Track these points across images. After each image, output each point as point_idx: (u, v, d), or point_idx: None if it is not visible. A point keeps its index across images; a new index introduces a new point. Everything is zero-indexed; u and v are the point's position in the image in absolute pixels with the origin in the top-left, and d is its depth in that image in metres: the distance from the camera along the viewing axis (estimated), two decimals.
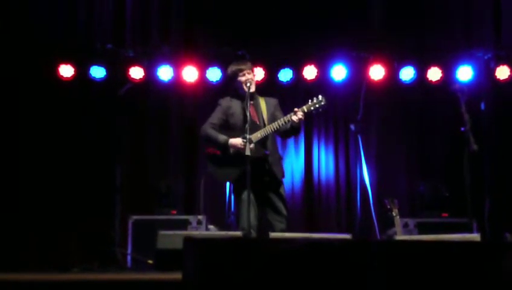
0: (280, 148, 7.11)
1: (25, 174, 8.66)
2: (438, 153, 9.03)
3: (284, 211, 6.38)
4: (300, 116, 6.16)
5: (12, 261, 7.82)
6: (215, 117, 6.51)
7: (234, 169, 6.24)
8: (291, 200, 6.67)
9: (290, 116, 6.20)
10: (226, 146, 6.28)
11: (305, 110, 6.23)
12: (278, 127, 6.23)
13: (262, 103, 6.55)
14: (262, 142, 6.29)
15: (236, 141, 6.22)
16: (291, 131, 6.41)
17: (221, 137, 6.31)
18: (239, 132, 6.27)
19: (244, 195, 6.08)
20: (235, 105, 6.49)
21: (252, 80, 6.47)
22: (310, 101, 6.29)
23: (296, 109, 6.20)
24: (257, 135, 6.22)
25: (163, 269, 6.02)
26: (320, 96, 6.28)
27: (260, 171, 6.24)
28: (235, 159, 6.21)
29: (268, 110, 6.49)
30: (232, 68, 6.56)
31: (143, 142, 9.28)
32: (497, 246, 3.51)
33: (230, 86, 6.69)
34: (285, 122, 6.23)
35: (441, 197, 8.39)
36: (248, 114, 6.15)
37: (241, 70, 6.46)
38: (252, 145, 6.09)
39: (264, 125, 6.34)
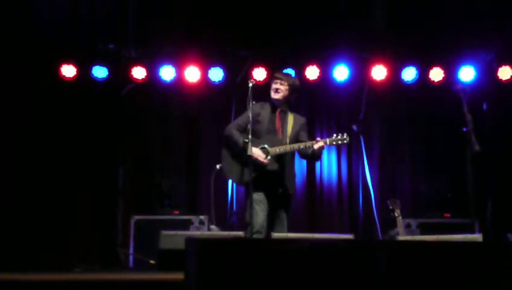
0: None
1: (27, 174, 8.65)
2: (440, 153, 9.02)
3: (285, 223, 6.47)
4: (321, 146, 6.32)
5: (15, 261, 7.82)
6: (242, 120, 6.59)
7: (246, 172, 6.28)
8: (294, 200, 6.69)
9: (312, 144, 6.35)
10: (244, 150, 6.31)
11: (327, 143, 6.40)
12: (297, 149, 6.40)
13: (290, 118, 6.65)
14: (279, 159, 6.42)
15: (256, 151, 6.29)
16: (311, 157, 6.61)
17: (242, 140, 6.35)
18: (261, 139, 6.40)
19: (255, 197, 6.20)
20: (265, 113, 6.60)
21: (281, 90, 6.59)
22: (335, 135, 6.44)
23: (318, 139, 6.37)
24: (275, 150, 6.36)
25: (165, 269, 6.02)
26: (345, 135, 6.43)
27: (273, 183, 6.39)
28: (249, 164, 6.25)
29: (294, 127, 6.58)
30: (272, 74, 6.86)
31: (145, 142, 9.28)
32: (498, 247, 3.50)
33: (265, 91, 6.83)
34: (305, 147, 6.39)
35: (443, 197, 8.40)
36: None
37: (275, 78, 6.65)
38: (268, 158, 6.29)
39: (285, 140, 6.46)
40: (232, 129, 6.55)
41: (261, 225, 6.21)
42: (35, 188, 8.63)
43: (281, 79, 6.60)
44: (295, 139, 6.48)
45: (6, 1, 8.72)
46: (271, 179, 6.36)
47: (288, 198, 6.54)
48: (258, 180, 6.17)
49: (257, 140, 6.35)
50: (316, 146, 6.30)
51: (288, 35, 8.98)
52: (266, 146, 6.31)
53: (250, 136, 6.06)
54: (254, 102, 6.33)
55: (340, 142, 6.40)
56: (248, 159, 6.02)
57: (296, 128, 6.56)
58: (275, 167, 6.37)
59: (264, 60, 8.91)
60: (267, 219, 6.40)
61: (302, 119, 6.72)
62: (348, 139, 6.40)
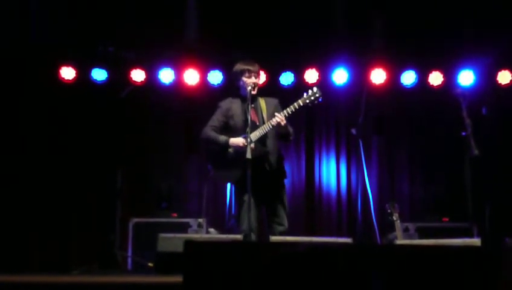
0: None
1: (26, 176, 8.66)
2: (438, 157, 9.01)
3: (284, 214, 6.38)
4: (278, 120, 6.13)
5: (13, 263, 7.82)
6: (216, 119, 6.49)
7: (235, 171, 6.23)
8: (292, 203, 6.67)
9: (269, 123, 6.22)
10: (226, 146, 6.27)
11: (301, 104, 6.21)
12: (274, 124, 6.17)
13: (262, 103, 6.53)
14: (262, 141, 6.27)
15: (238, 140, 6.21)
16: (281, 137, 6.44)
17: (222, 138, 6.31)
18: (239, 133, 6.26)
19: (245, 197, 6.05)
20: (236, 106, 6.47)
21: (257, 84, 6.46)
22: (305, 94, 6.27)
23: (276, 114, 6.20)
24: (256, 134, 6.19)
25: (163, 272, 6.03)
26: (315, 89, 6.28)
27: (261, 171, 6.21)
28: (235, 160, 6.20)
29: (268, 110, 6.46)
30: (240, 66, 6.51)
31: (144, 144, 9.28)
32: (496, 252, 3.50)
33: (232, 84, 6.67)
34: (273, 125, 6.20)
35: (441, 201, 8.40)
36: (249, 117, 6.13)
37: (249, 71, 6.44)
38: (252, 145, 6.07)
39: (262, 125, 6.30)
40: (208, 131, 6.45)
41: (252, 227, 6.04)
42: (33, 191, 8.64)
43: (256, 72, 6.49)
44: None
45: (6, 3, 8.72)
46: (260, 166, 6.20)
47: (278, 186, 6.45)
48: (244, 178, 5.94)
49: (237, 133, 6.29)
50: (273, 121, 6.15)
51: (288, 39, 8.97)
52: (248, 138, 6.03)
53: (249, 138, 6.01)
54: (253, 105, 6.29)
55: (312, 98, 6.22)
56: (248, 162, 5.89)
57: (271, 110, 6.42)
58: (260, 151, 6.21)
59: (263, 63, 8.90)
60: (268, 211, 6.39)
61: (274, 101, 6.58)
62: (319, 92, 6.23)
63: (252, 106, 6.35)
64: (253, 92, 6.37)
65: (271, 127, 6.20)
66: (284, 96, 6.86)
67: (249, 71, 6.43)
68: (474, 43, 8.82)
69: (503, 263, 3.35)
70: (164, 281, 5.18)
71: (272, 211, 6.39)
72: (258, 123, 6.36)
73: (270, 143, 6.35)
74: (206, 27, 8.99)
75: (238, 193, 6.40)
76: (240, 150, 6.14)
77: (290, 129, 6.38)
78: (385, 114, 9.37)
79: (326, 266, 3.22)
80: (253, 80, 6.42)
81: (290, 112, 6.19)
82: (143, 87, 9.10)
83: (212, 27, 8.94)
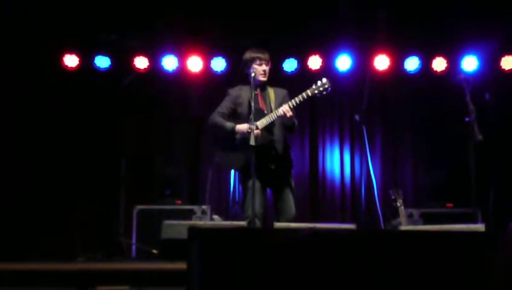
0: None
1: (30, 164, 8.68)
2: (442, 143, 9.00)
3: (292, 201, 6.39)
4: (284, 110, 6.13)
5: (18, 251, 7.84)
6: (224, 106, 6.50)
7: (240, 157, 6.25)
8: (296, 190, 6.66)
9: (276, 112, 6.23)
10: (232, 133, 6.28)
11: (309, 94, 6.20)
12: (281, 114, 6.16)
13: (271, 93, 6.52)
14: (269, 130, 6.27)
15: (243, 127, 6.21)
16: (286, 127, 6.42)
17: (228, 124, 6.32)
18: (247, 121, 6.24)
19: (250, 183, 6.03)
20: (244, 94, 6.46)
21: (267, 71, 6.46)
22: (313, 85, 6.26)
23: (283, 105, 6.19)
24: (263, 122, 6.21)
25: (167, 259, 6.03)
26: (324, 80, 6.25)
27: (267, 158, 6.25)
28: (241, 146, 6.21)
29: (276, 100, 6.45)
30: (250, 54, 6.50)
31: (147, 132, 9.28)
32: (500, 236, 3.50)
33: (242, 72, 6.64)
34: (278, 115, 6.20)
35: (445, 187, 8.40)
36: (253, 104, 6.11)
37: (260, 58, 6.43)
38: (258, 131, 6.09)
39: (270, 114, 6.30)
40: (216, 117, 6.46)
41: (257, 213, 6.04)
42: (37, 178, 8.65)
43: (267, 60, 6.49)
44: None
45: None
46: (266, 153, 6.23)
47: (285, 173, 6.45)
48: (249, 164, 5.97)
49: (244, 121, 6.29)
50: (279, 111, 6.17)
51: (291, 25, 8.95)
52: (253, 125, 6.01)
53: (253, 126, 6.00)
54: (256, 92, 6.28)
55: (321, 88, 6.21)
56: (252, 149, 5.88)
57: (279, 100, 6.41)
58: (266, 139, 6.24)
59: (267, 49, 8.89)
60: (274, 200, 6.41)
61: (283, 92, 6.57)
62: (328, 83, 6.21)
63: (256, 92, 6.33)
64: (264, 79, 6.43)
65: (277, 116, 6.21)
66: (286, 83, 6.86)
67: (260, 59, 6.43)
68: (477, 29, 8.78)
69: (507, 247, 3.36)
70: (168, 268, 5.20)
71: (280, 197, 6.40)
72: (265, 112, 6.36)
73: (277, 132, 6.35)
74: (209, 13, 8.97)
75: (243, 179, 6.41)
76: (246, 137, 6.13)
77: (295, 121, 6.37)
78: (389, 100, 9.36)
79: (330, 252, 3.23)
80: (263, 67, 6.43)
81: (297, 102, 6.19)
82: (146, 74, 9.10)
83: (215, 14, 8.92)
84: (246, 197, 6.29)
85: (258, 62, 6.43)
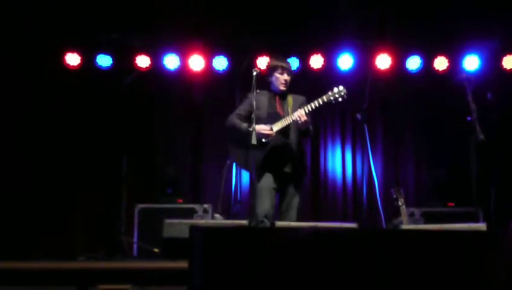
0: None
1: (31, 163, 8.69)
2: (444, 142, 9.00)
3: (296, 207, 6.41)
4: (299, 116, 6.17)
5: (19, 250, 7.85)
6: (242, 109, 6.55)
7: (254, 157, 6.30)
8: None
9: (291, 115, 6.28)
10: (249, 133, 6.31)
11: (325, 100, 6.25)
12: (297, 118, 6.19)
13: (290, 99, 6.59)
14: (284, 133, 6.34)
15: (259, 127, 6.24)
16: (301, 133, 6.46)
17: (244, 125, 6.36)
18: (262, 123, 6.31)
19: (262, 183, 6.20)
20: (263, 99, 6.52)
21: (288, 81, 6.52)
22: (330, 91, 6.30)
23: (298, 110, 6.24)
24: (278, 125, 6.29)
25: (169, 258, 6.04)
26: (341, 87, 6.29)
27: (281, 161, 6.33)
28: (256, 147, 6.25)
29: (294, 106, 6.49)
30: (274, 62, 6.60)
31: (149, 130, 9.30)
32: (501, 236, 3.50)
33: (264, 78, 6.66)
34: (293, 120, 6.25)
35: (446, 186, 8.40)
36: (254, 103, 6.16)
37: (282, 68, 6.51)
38: (273, 132, 6.23)
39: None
40: (234, 119, 6.52)
41: (267, 213, 6.14)
42: (38, 177, 8.67)
43: (288, 69, 6.55)
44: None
45: None
46: (280, 156, 6.31)
47: (296, 179, 6.47)
48: (266, 161, 6.20)
49: (260, 124, 6.33)
50: (294, 116, 6.21)
51: (293, 24, 8.95)
52: (269, 124, 6.25)
53: (254, 125, 6.05)
54: (258, 91, 6.32)
55: (337, 95, 6.26)
56: (252, 147, 6.00)
57: (296, 106, 6.44)
58: (280, 141, 6.31)
59: (268, 48, 8.90)
60: (280, 203, 6.42)
61: (301, 98, 6.60)
62: (344, 91, 6.26)
63: (279, 98, 6.51)
64: (284, 89, 6.51)
65: (292, 120, 6.26)
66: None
67: (282, 68, 6.52)
68: (479, 28, 8.78)
69: (508, 247, 3.36)
70: (170, 267, 5.20)
71: (286, 201, 6.42)
72: (282, 116, 6.42)
73: (293, 136, 6.41)
74: (210, 13, 8.97)
75: (256, 179, 6.44)
76: (260, 137, 6.21)
77: (310, 127, 6.44)
78: (390, 99, 9.37)
79: (331, 252, 3.23)
80: (285, 76, 6.50)
81: (312, 108, 6.24)
82: (148, 73, 9.10)
83: (217, 13, 8.92)
84: (257, 197, 6.32)
85: (279, 71, 6.52)
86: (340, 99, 6.30)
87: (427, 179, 8.96)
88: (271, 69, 6.57)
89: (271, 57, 6.73)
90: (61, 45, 8.90)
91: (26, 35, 8.76)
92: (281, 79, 6.48)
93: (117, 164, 8.81)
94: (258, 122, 6.34)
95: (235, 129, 6.46)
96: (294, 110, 6.38)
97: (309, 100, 6.37)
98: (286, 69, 6.52)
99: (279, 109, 6.48)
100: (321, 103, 6.25)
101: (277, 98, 6.51)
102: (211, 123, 9.21)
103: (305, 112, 6.19)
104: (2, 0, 8.49)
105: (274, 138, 6.25)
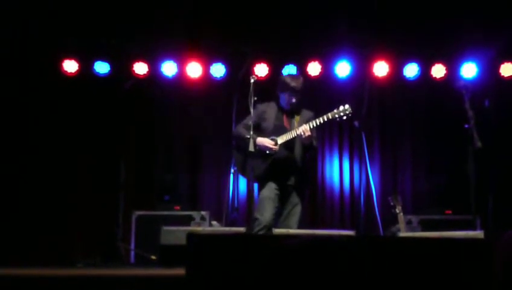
0: None
1: (29, 169, 8.68)
2: (441, 149, 9.00)
3: (296, 218, 6.46)
4: (303, 131, 6.23)
5: (17, 257, 7.83)
6: (249, 119, 6.55)
7: (258, 167, 6.40)
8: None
9: (296, 130, 6.33)
10: (253, 144, 6.33)
11: (330, 117, 6.31)
12: (301, 133, 6.25)
13: (297, 114, 6.64)
14: (289, 147, 6.41)
15: (264, 140, 6.34)
16: (304, 147, 6.49)
17: (249, 134, 6.36)
18: (269, 136, 6.41)
19: (264, 192, 6.32)
20: (271, 111, 6.61)
21: (295, 104, 6.55)
22: (335, 109, 6.36)
23: (303, 125, 6.29)
24: (283, 137, 6.38)
25: (166, 265, 6.03)
26: (346, 106, 6.36)
27: (285, 173, 6.41)
28: (260, 158, 6.34)
29: (301, 120, 6.55)
30: (287, 80, 6.54)
31: (147, 138, 9.29)
32: (496, 243, 3.50)
33: (273, 90, 6.72)
34: (299, 134, 6.30)
35: (444, 194, 8.40)
36: (252, 109, 6.21)
37: (293, 90, 6.48)
38: (277, 147, 6.32)
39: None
40: (240, 129, 6.59)
41: (269, 221, 6.21)
42: (37, 184, 8.66)
43: (299, 92, 6.54)
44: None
45: None
46: (284, 169, 6.37)
47: (301, 189, 6.53)
48: (269, 172, 6.31)
49: (263, 136, 6.40)
50: (298, 130, 6.27)
51: (290, 31, 8.97)
52: (274, 137, 6.36)
53: (251, 132, 6.09)
54: (255, 98, 6.34)
55: (342, 114, 6.31)
56: (250, 154, 6.12)
57: (303, 121, 6.48)
58: (284, 154, 6.37)
59: (266, 55, 8.91)
60: (281, 211, 6.44)
61: (309, 114, 6.66)
62: (350, 109, 6.32)
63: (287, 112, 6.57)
64: (288, 108, 6.57)
65: (296, 134, 6.32)
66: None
67: (293, 90, 6.49)
68: (477, 36, 8.80)
69: (503, 253, 3.36)
70: (167, 274, 5.18)
71: (286, 211, 6.48)
72: (288, 130, 6.47)
73: (297, 150, 6.48)
74: (208, 20, 8.98)
75: (260, 189, 6.50)
76: (264, 149, 6.31)
77: (314, 142, 6.51)
78: (388, 107, 9.37)
79: (329, 259, 3.23)
80: (293, 99, 6.52)
81: (316, 124, 6.30)
82: (146, 80, 9.11)
83: (215, 20, 8.93)
84: (260, 206, 6.34)
85: (289, 93, 6.50)
86: (344, 117, 6.39)
87: (425, 186, 8.96)
88: (282, 86, 6.58)
89: (286, 76, 6.71)
90: (58, 52, 8.90)
91: (23, 42, 8.77)
92: (289, 99, 6.52)
93: (115, 171, 8.81)
94: (264, 133, 6.42)
95: (241, 139, 6.50)
96: (301, 124, 6.43)
97: (307, 108, 6.41)
98: (297, 92, 6.50)
99: (286, 122, 6.56)
100: (326, 119, 6.32)
101: (284, 111, 6.58)
102: (208, 130, 9.20)
103: (310, 127, 6.24)
104: (0, 7, 8.49)
105: (278, 150, 6.33)
